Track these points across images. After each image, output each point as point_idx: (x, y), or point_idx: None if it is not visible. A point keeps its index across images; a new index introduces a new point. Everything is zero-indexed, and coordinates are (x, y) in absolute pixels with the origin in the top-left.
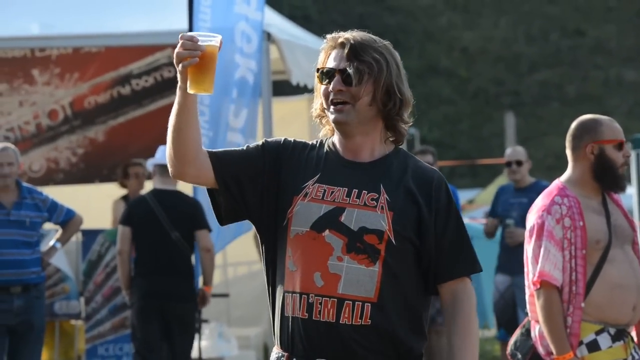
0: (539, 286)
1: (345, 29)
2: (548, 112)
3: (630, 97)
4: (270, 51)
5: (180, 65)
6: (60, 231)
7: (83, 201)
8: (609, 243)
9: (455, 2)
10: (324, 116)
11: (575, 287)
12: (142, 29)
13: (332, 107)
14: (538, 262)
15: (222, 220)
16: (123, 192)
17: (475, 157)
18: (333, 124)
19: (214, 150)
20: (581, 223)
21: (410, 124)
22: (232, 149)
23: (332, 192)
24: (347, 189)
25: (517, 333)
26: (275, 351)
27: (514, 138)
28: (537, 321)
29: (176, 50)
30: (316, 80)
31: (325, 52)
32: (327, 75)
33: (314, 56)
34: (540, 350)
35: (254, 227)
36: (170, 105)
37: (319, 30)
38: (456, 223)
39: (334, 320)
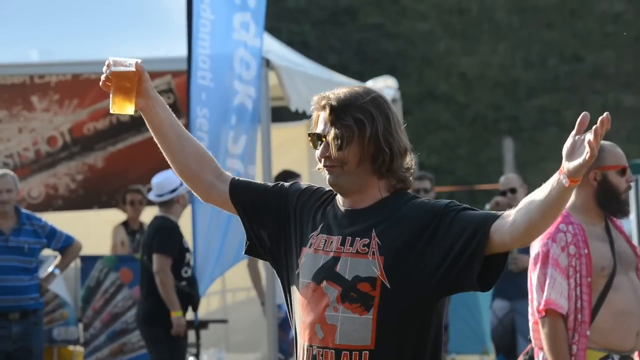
0: (544, 314)
1: (343, 56)
2: (546, 137)
3: (628, 122)
4: (269, 77)
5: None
6: (59, 257)
7: (82, 227)
8: (613, 270)
9: (453, 28)
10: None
11: (581, 315)
12: (141, 55)
13: (325, 169)
14: (543, 290)
15: (245, 251)
16: (122, 217)
17: (473, 182)
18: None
19: (238, 177)
20: (586, 251)
21: (412, 170)
22: (256, 181)
23: (331, 242)
24: (341, 237)
25: None
26: None
27: (513, 163)
28: (541, 349)
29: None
30: None
31: (315, 113)
32: (315, 140)
33: (313, 82)
34: None
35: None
36: None
37: (317, 56)
38: (462, 214)
39: None
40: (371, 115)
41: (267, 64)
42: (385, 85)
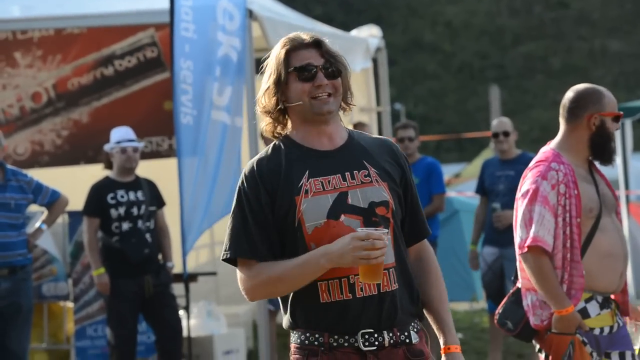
0: (527, 250)
1: (328, 7)
2: (533, 84)
3: (615, 68)
4: (252, 28)
5: (361, 260)
6: (45, 213)
7: (69, 183)
8: (600, 212)
9: None
10: (273, 112)
11: (571, 254)
12: (124, 9)
13: (314, 101)
14: (527, 227)
15: None
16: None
17: (461, 131)
18: (316, 115)
19: (264, 253)
20: (576, 191)
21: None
22: (263, 226)
23: (329, 182)
24: (339, 174)
25: (505, 302)
26: (306, 334)
27: (499, 111)
28: (529, 289)
29: (362, 245)
30: (280, 78)
31: (283, 53)
32: (306, 71)
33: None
34: (533, 320)
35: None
36: (154, 85)
37: (303, 7)
38: (414, 187)
39: (376, 292)
40: (341, 54)
41: (250, 14)
42: (369, 35)
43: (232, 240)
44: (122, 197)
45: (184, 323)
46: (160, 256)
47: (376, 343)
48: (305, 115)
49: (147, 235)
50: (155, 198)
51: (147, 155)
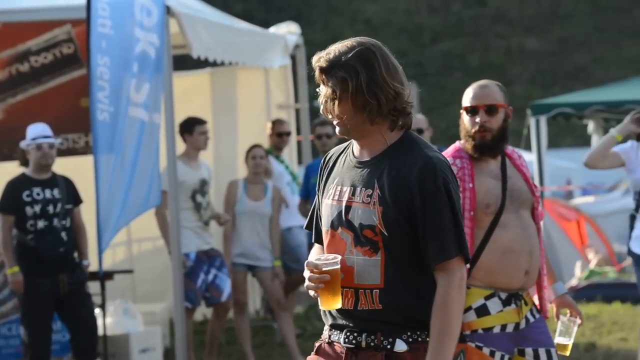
0: None
1: (248, 4)
2: (451, 82)
3: (531, 65)
4: (170, 25)
5: (310, 291)
6: None
7: None
8: (501, 208)
9: None
10: None
11: None
12: (40, 5)
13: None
14: None
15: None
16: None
17: None
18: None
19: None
20: (470, 185)
21: (409, 106)
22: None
23: (343, 192)
24: (352, 188)
25: None
26: (325, 326)
27: (418, 108)
28: None
29: (305, 276)
30: None
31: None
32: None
33: (215, 29)
34: None
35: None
36: (70, 82)
37: (223, 4)
38: (430, 213)
39: (352, 308)
40: (355, 70)
41: (168, 11)
42: (288, 32)
43: (309, 214)
44: (38, 194)
45: (99, 321)
46: (76, 254)
47: (354, 342)
48: None
49: (63, 234)
50: (72, 196)
51: (63, 153)
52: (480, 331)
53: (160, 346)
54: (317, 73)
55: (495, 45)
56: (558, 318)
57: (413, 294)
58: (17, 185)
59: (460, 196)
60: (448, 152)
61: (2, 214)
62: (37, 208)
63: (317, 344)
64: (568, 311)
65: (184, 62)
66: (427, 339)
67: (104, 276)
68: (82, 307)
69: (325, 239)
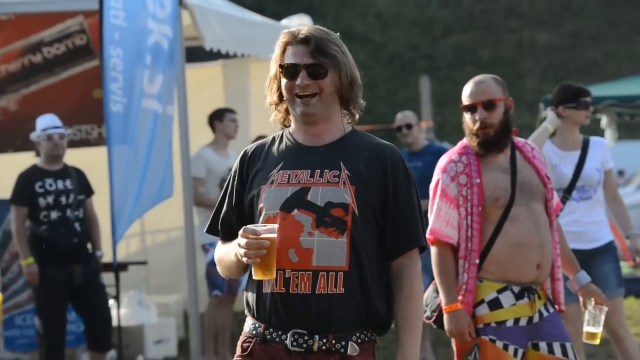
0: (431, 243)
1: None
2: (462, 75)
3: (543, 59)
4: (182, 17)
5: (245, 259)
6: None
7: None
8: (510, 201)
9: None
10: (279, 104)
11: (471, 243)
12: None
13: (298, 99)
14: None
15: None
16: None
17: (391, 121)
18: (299, 115)
19: (224, 235)
20: (478, 180)
21: (363, 105)
22: (231, 208)
23: (297, 175)
24: (310, 170)
25: (428, 291)
26: (251, 321)
27: (430, 102)
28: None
29: (241, 244)
30: (275, 72)
31: (280, 46)
32: (291, 70)
33: (227, 21)
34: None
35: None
36: (83, 73)
37: None
38: (402, 198)
39: (310, 292)
40: (342, 51)
41: (180, 2)
42: (299, 24)
43: (211, 218)
44: (50, 185)
45: (113, 312)
46: (89, 245)
47: (304, 345)
48: (293, 111)
49: (76, 224)
50: (84, 187)
51: (76, 144)
52: (493, 324)
53: (175, 338)
54: (298, 45)
55: (507, 39)
56: (585, 308)
57: (377, 285)
58: (29, 176)
59: (468, 192)
60: (453, 151)
61: (15, 206)
62: (50, 199)
63: (244, 344)
64: (593, 300)
65: (197, 54)
66: (374, 339)
67: (118, 267)
68: (96, 297)
69: (271, 222)
